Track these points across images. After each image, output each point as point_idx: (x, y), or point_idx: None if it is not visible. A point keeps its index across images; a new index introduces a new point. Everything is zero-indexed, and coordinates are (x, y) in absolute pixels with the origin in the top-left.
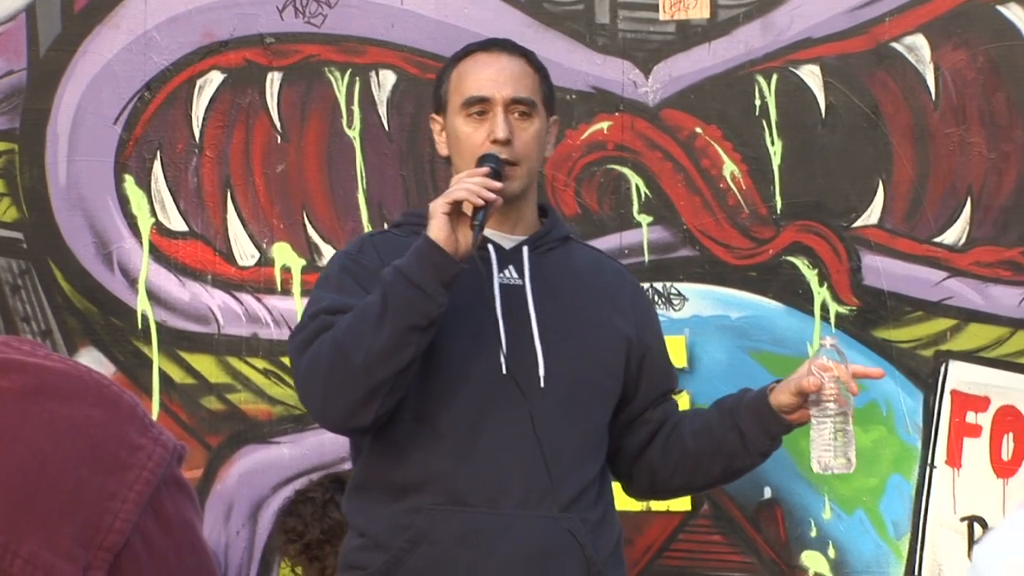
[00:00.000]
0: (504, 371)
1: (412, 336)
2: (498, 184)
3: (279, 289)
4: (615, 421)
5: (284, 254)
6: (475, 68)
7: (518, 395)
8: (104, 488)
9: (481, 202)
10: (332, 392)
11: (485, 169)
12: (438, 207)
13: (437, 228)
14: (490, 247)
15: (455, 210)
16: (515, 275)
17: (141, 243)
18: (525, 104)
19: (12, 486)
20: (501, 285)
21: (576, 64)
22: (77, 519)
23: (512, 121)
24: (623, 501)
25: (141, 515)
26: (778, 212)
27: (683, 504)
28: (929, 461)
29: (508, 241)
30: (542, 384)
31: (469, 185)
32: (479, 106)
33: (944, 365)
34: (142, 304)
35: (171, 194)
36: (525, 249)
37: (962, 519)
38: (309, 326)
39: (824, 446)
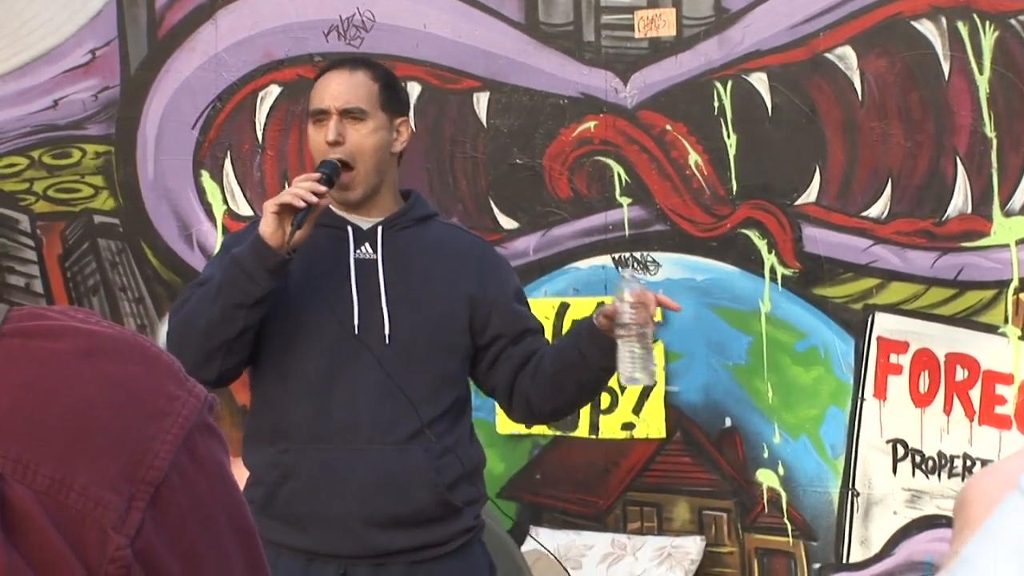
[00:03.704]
0: (356, 332)
1: (240, 312)
2: (323, 189)
3: None
4: (482, 364)
5: None
6: (321, 84)
7: (366, 351)
8: (145, 432)
9: (303, 204)
10: (181, 350)
11: (317, 175)
12: (268, 206)
13: (264, 224)
14: (349, 228)
15: (283, 209)
16: (370, 251)
17: (216, 226)
18: (354, 111)
19: (67, 431)
20: (357, 260)
21: (568, 75)
22: (122, 457)
23: (345, 125)
24: (609, 431)
25: (177, 454)
26: (734, 193)
27: (659, 432)
28: (860, 394)
29: (366, 223)
30: (387, 341)
31: (295, 189)
32: (320, 116)
33: (871, 316)
34: None
35: (239, 185)
36: (380, 229)
37: (887, 441)
38: (183, 295)
39: (626, 361)
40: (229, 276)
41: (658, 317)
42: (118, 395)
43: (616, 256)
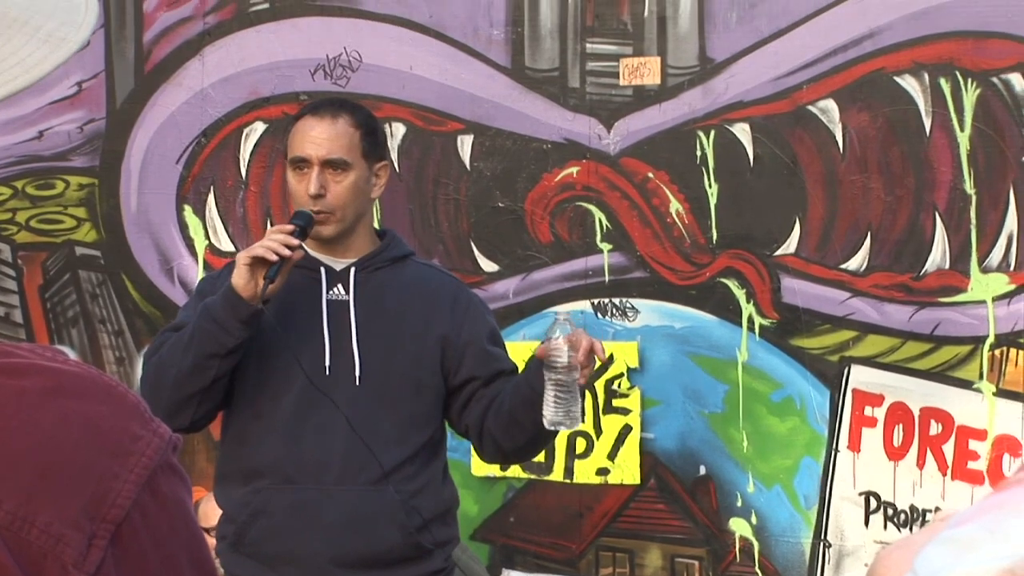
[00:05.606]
0: (328, 373)
1: (212, 362)
2: (296, 242)
3: None
4: (455, 405)
5: None
6: (302, 130)
7: (337, 392)
8: (109, 470)
9: (275, 258)
10: (154, 398)
11: (291, 228)
12: (241, 258)
13: (237, 276)
14: (322, 270)
15: (256, 262)
16: (342, 292)
17: (197, 260)
18: (336, 163)
19: (30, 468)
20: (329, 301)
21: (552, 120)
22: (85, 495)
23: (327, 176)
24: (584, 475)
25: (140, 493)
26: (714, 242)
27: (633, 479)
28: (834, 446)
29: (339, 264)
30: (358, 382)
31: (268, 243)
32: (301, 164)
33: (847, 368)
34: None
35: (222, 221)
36: (352, 270)
37: (860, 493)
38: (156, 340)
39: (550, 404)
40: (201, 327)
41: (634, 364)
42: (83, 433)
43: (595, 302)
